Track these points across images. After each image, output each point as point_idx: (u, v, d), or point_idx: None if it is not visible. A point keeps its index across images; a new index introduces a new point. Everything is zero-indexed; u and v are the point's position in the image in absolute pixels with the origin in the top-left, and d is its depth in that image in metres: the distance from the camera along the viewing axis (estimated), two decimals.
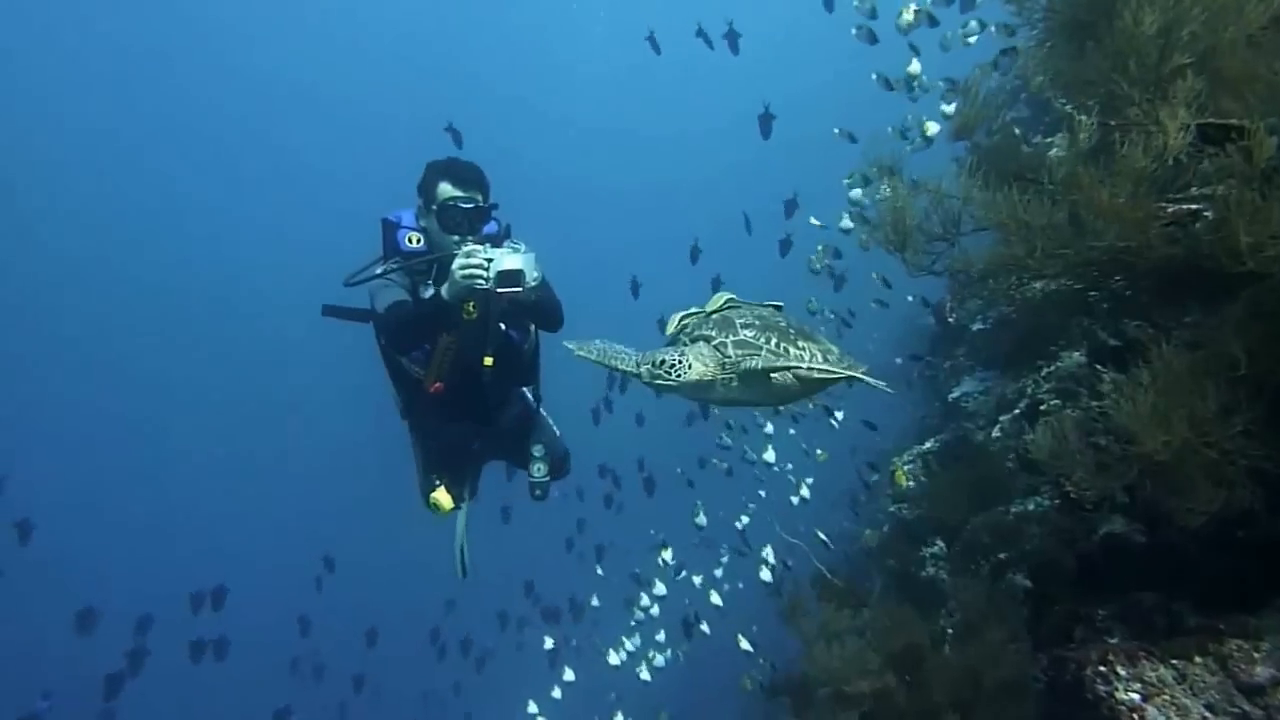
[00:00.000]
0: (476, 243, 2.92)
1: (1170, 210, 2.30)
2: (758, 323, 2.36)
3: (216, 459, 19.66)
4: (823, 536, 5.14)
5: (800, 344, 2.30)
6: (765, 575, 5.16)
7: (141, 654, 9.01)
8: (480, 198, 3.08)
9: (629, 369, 2.36)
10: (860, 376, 2.33)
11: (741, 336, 2.33)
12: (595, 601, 7.69)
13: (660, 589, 5.97)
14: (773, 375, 2.27)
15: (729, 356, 2.31)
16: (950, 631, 3.35)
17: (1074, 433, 2.61)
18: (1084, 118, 2.24)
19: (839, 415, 5.42)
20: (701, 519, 6.06)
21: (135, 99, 22.87)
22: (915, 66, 5.33)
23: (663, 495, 9.08)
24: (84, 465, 18.31)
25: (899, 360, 6.30)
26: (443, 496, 3.18)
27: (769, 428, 6.60)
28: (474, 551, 3.48)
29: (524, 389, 3.54)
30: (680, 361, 2.25)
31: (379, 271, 3.11)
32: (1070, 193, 2.17)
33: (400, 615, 11.98)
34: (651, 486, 8.50)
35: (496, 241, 3.08)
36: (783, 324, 2.37)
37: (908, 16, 5.23)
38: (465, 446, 3.47)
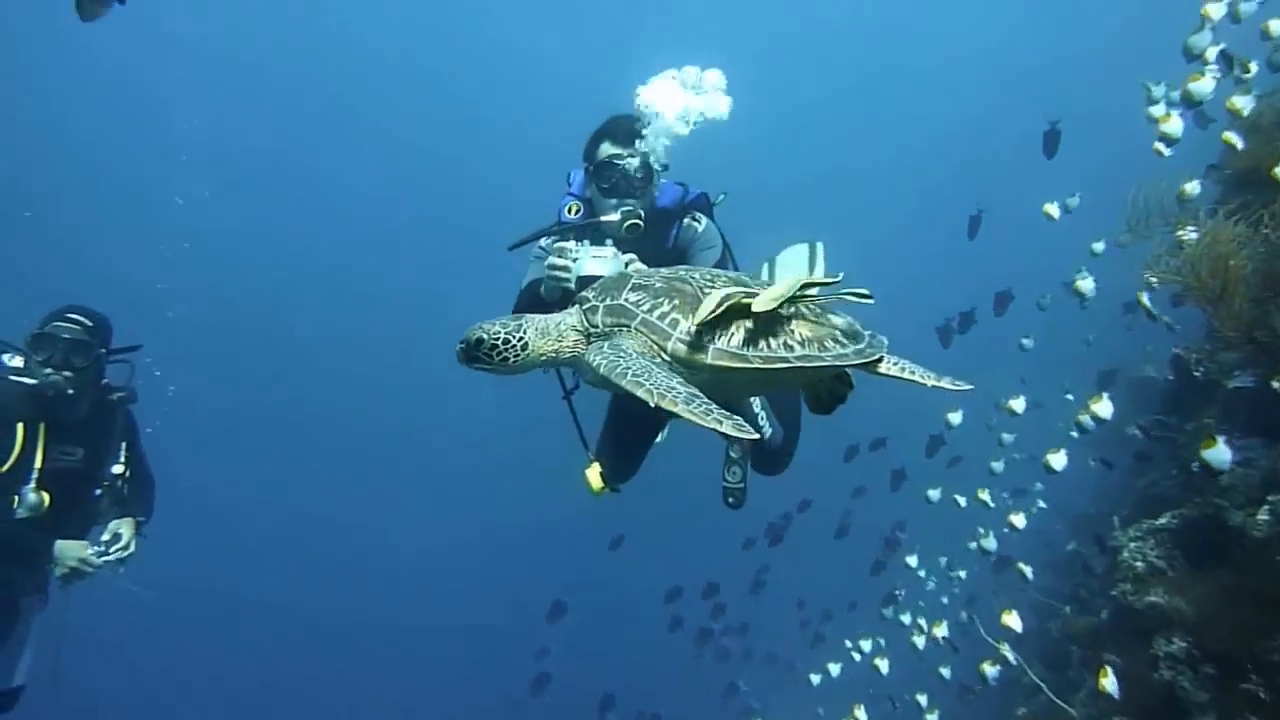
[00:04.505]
0: (639, 217, 2.71)
1: None
2: (660, 284, 1.72)
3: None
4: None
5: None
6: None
7: None
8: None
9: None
10: (821, 365, 1.64)
11: (623, 300, 1.70)
12: None
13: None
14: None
15: (595, 325, 1.73)
16: None
17: None
18: None
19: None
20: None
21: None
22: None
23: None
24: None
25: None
26: (593, 476, 2.91)
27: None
28: None
29: None
30: (510, 341, 1.69)
31: (539, 245, 2.94)
32: None
33: None
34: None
35: (674, 214, 2.88)
36: (715, 286, 1.70)
37: None
38: (642, 423, 3.15)
